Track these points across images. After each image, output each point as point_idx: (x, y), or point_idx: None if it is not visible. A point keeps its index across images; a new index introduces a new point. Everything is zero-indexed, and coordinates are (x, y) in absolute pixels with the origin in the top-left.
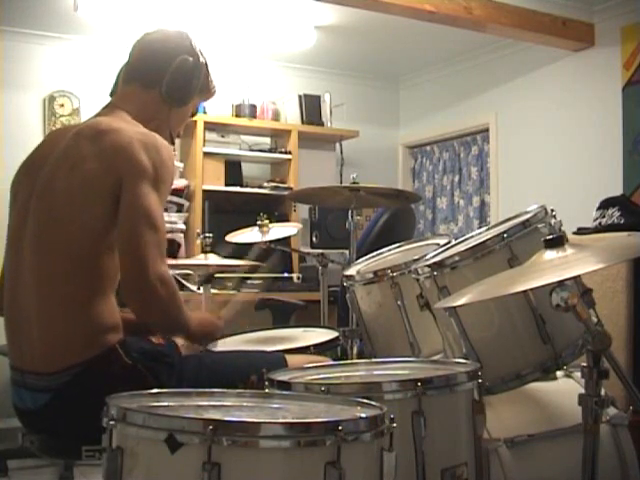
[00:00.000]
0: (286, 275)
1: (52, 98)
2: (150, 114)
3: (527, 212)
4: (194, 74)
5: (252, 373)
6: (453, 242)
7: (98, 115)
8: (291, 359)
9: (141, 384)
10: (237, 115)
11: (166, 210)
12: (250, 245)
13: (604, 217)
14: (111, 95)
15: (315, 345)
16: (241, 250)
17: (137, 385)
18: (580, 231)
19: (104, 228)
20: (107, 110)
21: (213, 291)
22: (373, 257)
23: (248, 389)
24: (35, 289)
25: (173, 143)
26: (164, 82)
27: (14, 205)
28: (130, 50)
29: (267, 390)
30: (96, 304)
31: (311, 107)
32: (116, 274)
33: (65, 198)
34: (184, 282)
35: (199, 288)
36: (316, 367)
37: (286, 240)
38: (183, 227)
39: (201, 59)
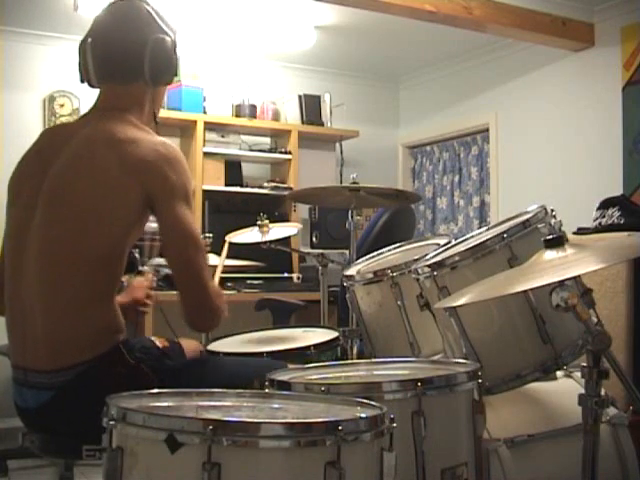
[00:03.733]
0: (286, 275)
1: (52, 98)
2: (140, 102)
3: (527, 212)
4: (171, 50)
5: (255, 379)
6: (453, 242)
7: (94, 117)
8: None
9: (144, 384)
10: (237, 115)
11: None
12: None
13: (604, 217)
14: (82, 81)
15: (315, 345)
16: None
17: (140, 385)
18: (580, 231)
19: (123, 236)
20: (105, 113)
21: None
22: (373, 257)
23: None
24: (41, 289)
25: (157, 123)
26: (145, 71)
27: (15, 204)
28: (91, 40)
29: (267, 390)
30: (102, 305)
31: (311, 107)
32: (121, 275)
33: (86, 206)
34: None
35: None
36: (316, 367)
37: (286, 240)
38: None
39: (164, 28)
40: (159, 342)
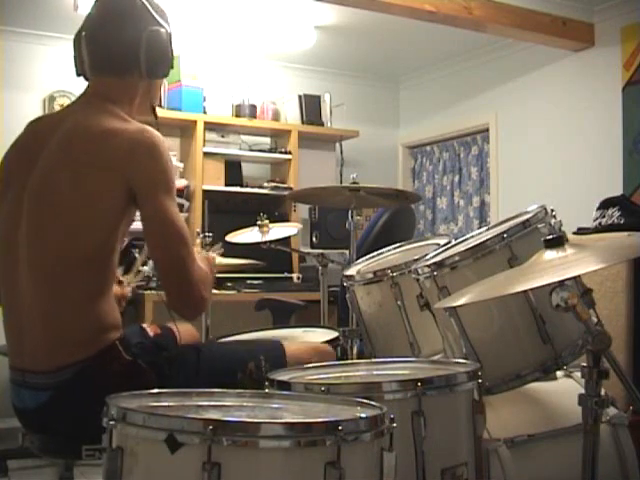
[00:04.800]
0: (286, 275)
1: (52, 98)
2: (132, 95)
3: (527, 212)
4: (167, 42)
5: (250, 361)
6: (453, 242)
7: (79, 107)
8: (289, 347)
9: (142, 379)
10: (237, 115)
11: None
12: (251, 245)
13: (604, 217)
14: (78, 75)
15: None
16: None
17: (138, 380)
18: (580, 231)
19: (110, 230)
20: (88, 102)
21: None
22: (373, 257)
23: (247, 377)
24: (35, 289)
25: (156, 117)
26: (141, 64)
27: (3, 202)
28: (85, 32)
29: (267, 390)
30: (96, 303)
31: (311, 107)
32: (114, 272)
33: (71, 201)
34: None
35: None
36: (316, 367)
37: (286, 240)
38: None
39: (160, 19)
40: (150, 329)
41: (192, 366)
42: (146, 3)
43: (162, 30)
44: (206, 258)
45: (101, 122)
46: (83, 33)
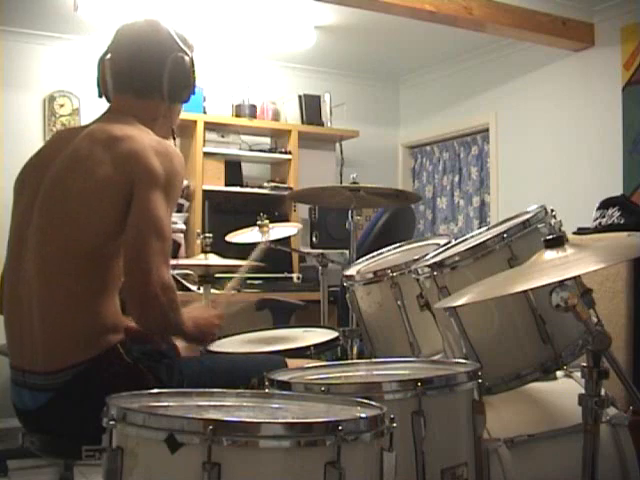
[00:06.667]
0: (286, 275)
1: (52, 98)
2: (153, 115)
3: (527, 212)
4: (189, 69)
5: (253, 376)
6: (453, 242)
7: (101, 120)
8: (292, 363)
9: (141, 384)
10: (237, 115)
11: None
12: (251, 245)
13: (604, 217)
14: (100, 96)
15: (315, 345)
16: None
17: (137, 385)
18: (580, 231)
19: (114, 231)
20: (112, 116)
21: (213, 291)
22: (373, 257)
23: None
24: (39, 288)
25: (175, 138)
26: (163, 88)
27: (18, 204)
28: (110, 55)
29: (267, 390)
30: (100, 304)
31: (311, 107)
32: (120, 275)
33: (78, 200)
34: (184, 282)
35: (199, 288)
36: (316, 367)
37: (286, 240)
38: (183, 227)
39: (183, 46)
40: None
41: (193, 376)
42: (171, 30)
43: (186, 57)
44: (205, 310)
45: (121, 128)
46: (108, 56)
